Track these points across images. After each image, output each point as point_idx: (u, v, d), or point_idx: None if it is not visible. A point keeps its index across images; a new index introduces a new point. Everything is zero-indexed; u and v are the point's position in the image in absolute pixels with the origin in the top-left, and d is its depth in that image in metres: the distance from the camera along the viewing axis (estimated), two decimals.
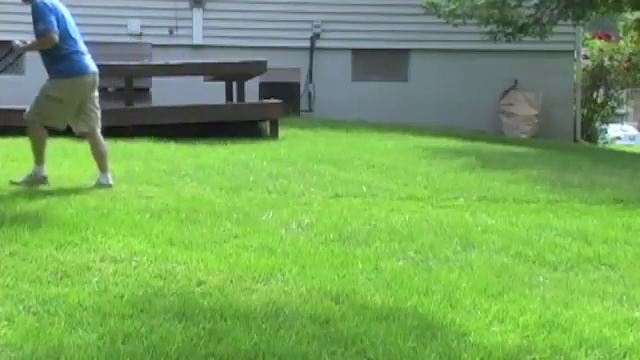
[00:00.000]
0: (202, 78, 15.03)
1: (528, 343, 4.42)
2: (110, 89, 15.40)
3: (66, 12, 8.30)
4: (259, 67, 13.80)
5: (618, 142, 25.54)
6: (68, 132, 12.08)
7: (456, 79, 19.02)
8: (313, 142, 12.67)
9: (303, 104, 18.43)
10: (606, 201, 8.88)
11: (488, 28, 17.04)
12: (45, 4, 8.08)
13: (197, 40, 18.53)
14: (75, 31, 8.31)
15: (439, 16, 17.05)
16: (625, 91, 24.03)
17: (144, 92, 15.08)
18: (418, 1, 17.48)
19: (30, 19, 8.14)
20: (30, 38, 8.46)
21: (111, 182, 8.23)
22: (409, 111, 18.15)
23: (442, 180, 9.76)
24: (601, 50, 21.37)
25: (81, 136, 8.63)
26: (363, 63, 19.18)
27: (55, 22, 8.05)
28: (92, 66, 8.33)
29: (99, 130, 8.48)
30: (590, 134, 21.35)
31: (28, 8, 8.15)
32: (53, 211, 6.95)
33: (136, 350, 4.06)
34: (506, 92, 19.28)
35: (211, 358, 4.04)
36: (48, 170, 8.38)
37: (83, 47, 8.32)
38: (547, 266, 6.03)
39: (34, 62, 17.62)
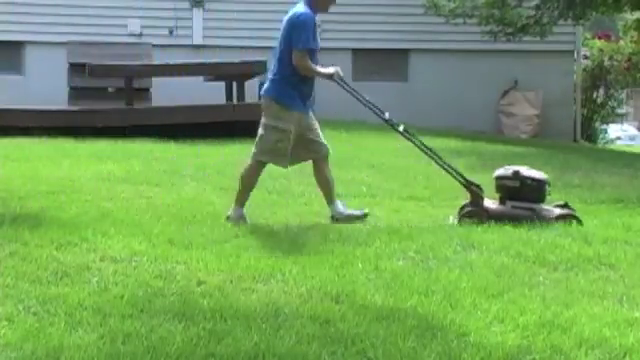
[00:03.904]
0: (202, 78, 15.03)
1: (528, 343, 4.42)
2: (110, 89, 15.43)
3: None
4: (259, 67, 13.79)
5: (618, 142, 25.50)
6: (68, 133, 12.11)
7: (456, 79, 19.01)
8: None
9: None
10: (606, 201, 8.89)
11: (488, 28, 17.03)
12: None
13: (197, 40, 18.52)
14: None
15: (439, 15, 17.04)
16: (625, 91, 24.01)
17: (144, 92, 15.09)
18: (418, 1, 17.47)
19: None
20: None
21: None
22: (409, 111, 18.10)
23: (442, 180, 9.74)
24: (601, 50, 21.35)
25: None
26: (363, 63, 19.17)
27: None
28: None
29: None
30: (590, 134, 21.34)
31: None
32: (53, 211, 6.95)
33: (136, 350, 4.06)
34: (506, 92, 19.27)
35: (211, 358, 4.04)
36: (48, 170, 8.38)
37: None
38: (547, 266, 6.02)
39: (34, 62, 17.71)
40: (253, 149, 7.27)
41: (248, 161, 7.32)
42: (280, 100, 7.20)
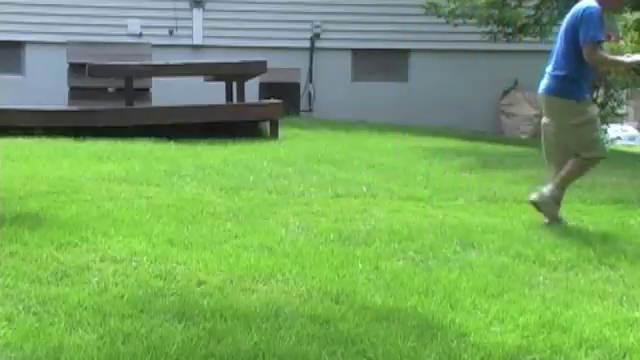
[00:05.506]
0: (202, 78, 15.03)
1: (528, 343, 4.42)
2: (110, 89, 15.45)
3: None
4: (259, 67, 13.80)
5: (618, 142, 25.52)
6: (68, 133, 12.11)
7: (456, 79, 19.01)
8: (313, 142, 12.67)
9: (303, 104, 18.43)
10: (606, 201, 8.87)
11: (488, 28, 17.04)
12: None
13: (197, 40, 18.54)
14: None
15: (439, 16, 17.05)
16: (625, 91, 24.00)
17: (144, 92, 15.10)
18: (418, 1, 17.48)
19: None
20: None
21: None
22: (409, 111, 18.15)
23: (442, 180, 9.75)
24: None
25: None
26: (363, 63, 19.17)
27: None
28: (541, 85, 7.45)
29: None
30: None
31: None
32: (53, 211, 6.95)
33: (136, 350, 4.06)
34: (506, 92, 19.27)
35: (211, 358, 4.04)
36: (48, 170, 8.36)
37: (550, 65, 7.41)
38: (547, 266, 6.03)
39: (34, 62, 17.71)
40: (583, 153, 7.23)
41: (570, 162, 7.28)
42: (574, 96, 7.17)
